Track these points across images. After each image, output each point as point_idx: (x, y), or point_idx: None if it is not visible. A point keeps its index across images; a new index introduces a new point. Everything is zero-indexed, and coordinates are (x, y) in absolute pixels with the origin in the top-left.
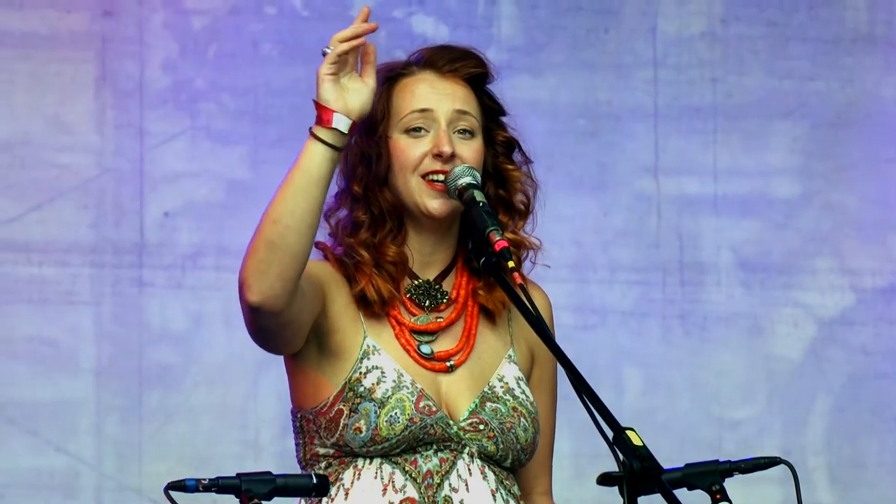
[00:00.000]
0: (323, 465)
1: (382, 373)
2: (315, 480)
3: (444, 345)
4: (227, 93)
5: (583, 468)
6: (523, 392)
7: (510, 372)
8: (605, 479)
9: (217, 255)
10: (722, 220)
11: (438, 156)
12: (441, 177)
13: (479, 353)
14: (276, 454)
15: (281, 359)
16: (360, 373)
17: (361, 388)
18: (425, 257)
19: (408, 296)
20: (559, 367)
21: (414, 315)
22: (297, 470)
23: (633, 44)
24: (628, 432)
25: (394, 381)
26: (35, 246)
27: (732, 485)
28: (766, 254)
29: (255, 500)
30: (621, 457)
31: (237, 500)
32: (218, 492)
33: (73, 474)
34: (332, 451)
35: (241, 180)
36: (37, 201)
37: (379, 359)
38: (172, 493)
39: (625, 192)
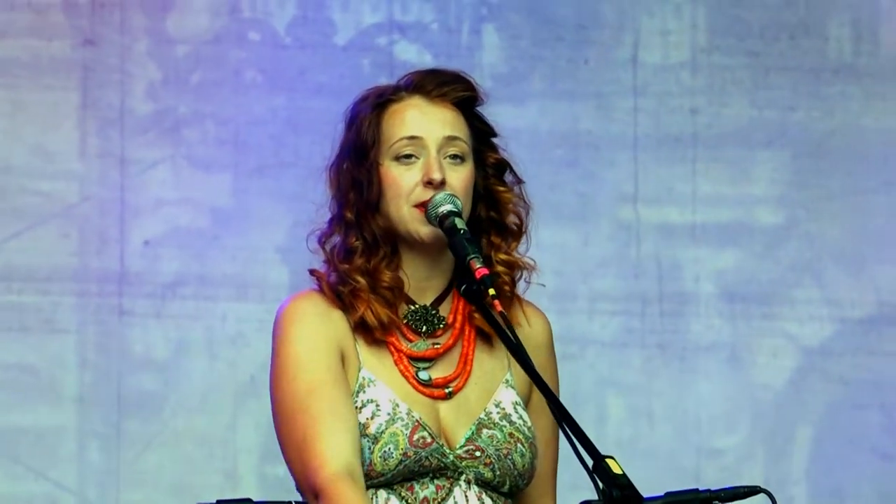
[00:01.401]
0: None
1: (377, 406)
2: None
3: (441, 371)
4: (210, 121)
5: (562, 498)
6: (520, 417)
7: (507, 397)
8: None
9: (197, 284)
10: (702, 249)
11: (429, 183)
12: None
13: (477, 379)
14: (255, 483)
15: (261, 388)
16: (357, 407)
17: (357, 424)
18: (421, 282)
19: (405, 322)
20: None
21: (411, 341)
22: (280, 498)
23: (614, 73)
24: (608, 460)
25: (388, 414)
26: (16, 274)
27: None
28: (746, 283)
29: None
30: (601, 485)
31: None
32: None
33: (52, 501)
34: None
35: (223, 208)
36: (17, 228)
37: (374, 391)
38: None
39: (605, 221)
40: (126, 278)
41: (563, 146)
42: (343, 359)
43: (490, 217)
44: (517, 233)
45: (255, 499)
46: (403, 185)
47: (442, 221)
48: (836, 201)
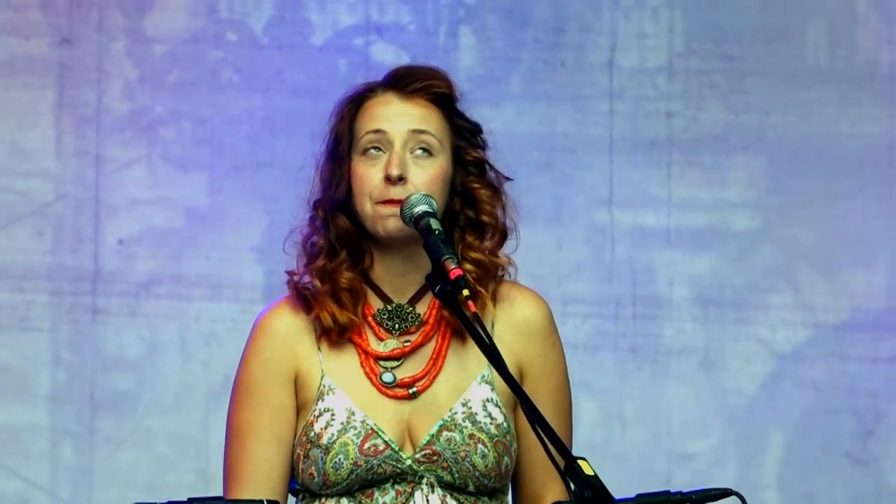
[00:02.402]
0: (300, 496)
1: (332, 415)
2: None
3: (410, 369)
4: (186, 120)
5: None
6: (488, 415)
7: (478, 395)
8: None
9: (172, 284)
10: (676, 253)
11: (388, 179)
12: (395, 208)
13: (448, 376)
14: None
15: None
16: (314, 416)
17: (312, 434)
18: (396, 279)
19: (376, 321)
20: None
21: (381, 339)
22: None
23: (591, 77)
24: (580, 462)
25: (342, 423)
26: None
27: None
28: (720, 288)
29: None
30: (573, 486)
31: None
32: None
33: (24, 499)
34: (300, 488)
35: (198, 208)
36: None
37: (332, 399)
38: None
39: (579, 224)
40: (100, 277)
41: (539, 149)
42: (299, 379)
43: (466, 215)
44: (493, 231)
45: (227, 497)
46: (367, 181)
47: (417, 222)
48: (812, 206)
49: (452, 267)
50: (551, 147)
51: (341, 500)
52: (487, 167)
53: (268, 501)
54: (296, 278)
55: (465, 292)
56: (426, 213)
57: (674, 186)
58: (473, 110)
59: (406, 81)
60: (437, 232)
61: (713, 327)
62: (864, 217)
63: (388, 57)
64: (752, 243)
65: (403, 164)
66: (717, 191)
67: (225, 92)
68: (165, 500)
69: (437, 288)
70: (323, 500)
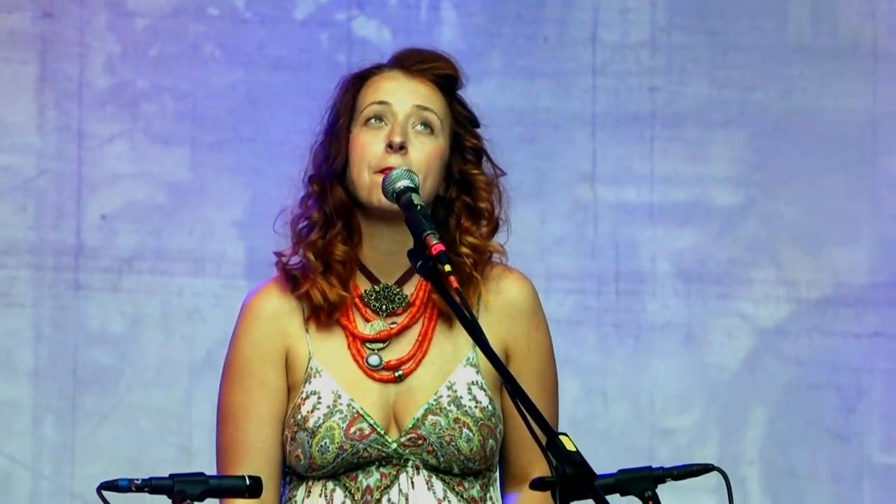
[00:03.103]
0: (287, 479)
1: (319, 398)
2: (248, 482)
3: (395, 352)
4: (168, 95)
5: None
6: (473, 398)
7: (463, 377)
8: (537, 485)
9: (154, 259)
10: (658, 229)
11: (390, 146)
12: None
13: (433, 359)
14: (210, 458)
15: (216, 363)
16: (301, 398)
17: (299, 416)
18: (384, 258)
19: (363, 301)
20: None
21: (368, 321)
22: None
23: (573, 52)
24: (562, 437)
25: (328, 407)
26: None
27: (668, 495)
28: (702, 263)
29: (188, 501)
30: (554, 462)
31: (170, 500)
32: (151, 492)
33: (6, 475)
34: (289, 470)
35: (180, 183)
36: None
37: (319, 382)
38: (105, 493)
39: (562, 200)
40: (83, 252)
41: (521, 124)
42: (289, 360)
43: (463, 201)
44: (489, 218)
45: (209, 473)
46: (367, 150)
47: (399, 197)
48: (794, 182)
49: (434, 242)
50: (533, 122)
51: (327, 484)
52: (485, 157)
53: (249, 477)
54: (284, 259)
55: (447, 267)
56: (408, 189)
57: (656, 161)
58: None
59: (412, 61)
60: (419, 207)
61: (696, 302)
62: (846, 192)
63: (370, 32)
64: (735, 218)
65: (406, 133)
66: (700, 166)
67: (206, 66)
68: (148, 476)
69: (419, 263)
70: (309, 482)
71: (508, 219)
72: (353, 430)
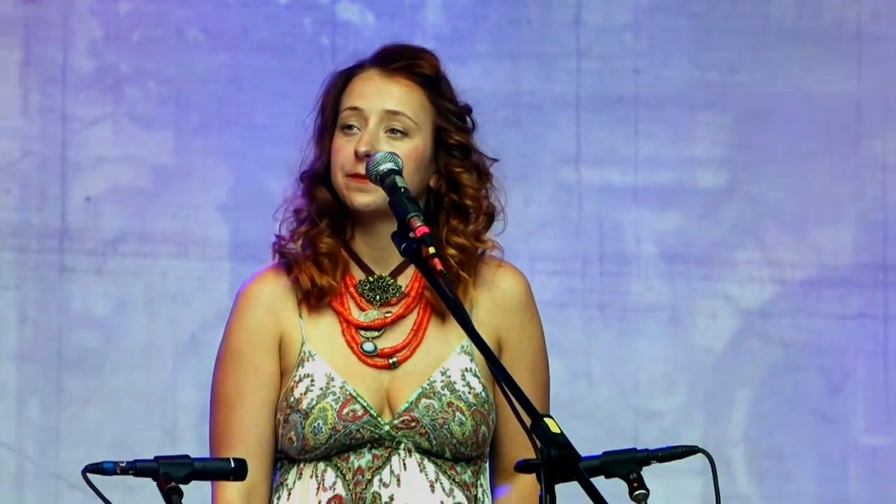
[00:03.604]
0: (278, 464)
1: (312, 380)
2: (233, 464)
3: (390, 340)
4: (151, 78)
5: None
6: (467, 384)
7: (457, 364)
8: (522, 467)
9: (138, 242)
10: (643, 210)
11: (356, 155)
12: (362, 184)
13: (428, 347)
14: (195, 440)
15: (201, 346)
16: (294, 382)
17: (292, 399)
18: (377, 251)
19: (358, 291)
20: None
21: (363, 310)
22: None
23: (557, 34)
24: (546, 419)
25: (321, 389)
26: None
27: (652, 477)
28: (686, 245)
29: (173, 484)
30: (539, 444)
31: (155, 483)
32: (136, 475)
33: None
34: (280, 455)
35: (164, 166)
36: None
37: (312, 365)
38: (90, 475)
39: (546, 182)
40: (67, 235)
41: (505, 106)
42: (282, 344)
43: (450, 198)
44: (478, 214)
45: (193, 455)
46: (341, 155)
47: (382, 179)
48: (778, 164)
49: (418, 224)
50: (517, 105)
51: (318, 465)
52: (472, 150)
53: (234, 459)
54: (283, 242)
55: (431, 249)
56: (391, 171)
57: (640, 144)
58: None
59: (390, 59)
60: (402, 189)
61: (680, 284)
62: (830, 174)
63: (354, 15)
64: (719, 200)
65: (374, 141)
66: (684, 148)
67: (190, 50)
68: (133, 459)
69: (403, 245)
70: (301, 465)
71: (504, 208)
72: (345, 411)
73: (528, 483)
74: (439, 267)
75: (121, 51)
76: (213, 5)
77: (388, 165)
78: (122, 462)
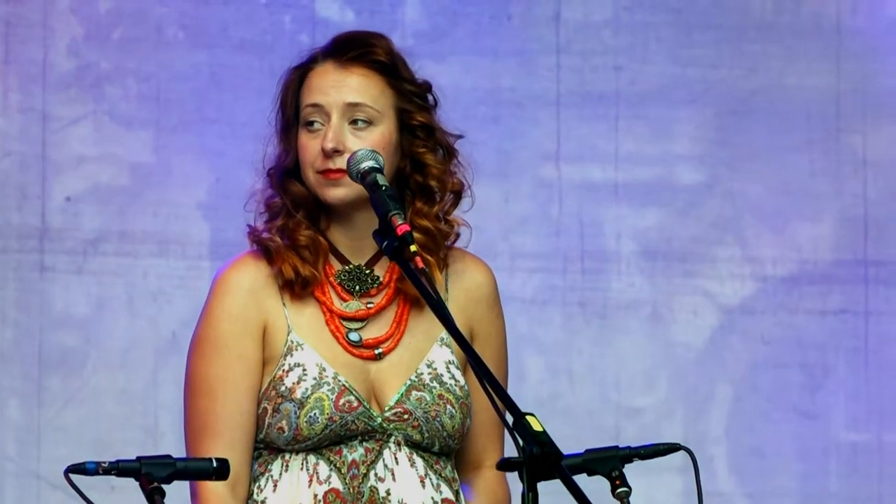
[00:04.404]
0: (255, 454)
1: (304, 370)
2: (215, 464)
3: (374, 331)
4: (131, 77)
5: None
6: (452, 377)
7: (441, 356)
8: (504, 465)
9: (119, 241)
10: (623, 207)
11: (323, 151)
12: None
13: (410, 339)
14: (176, 440)
15: (182, 345)
16: (283, 370)
17: (283, 388)
18: (354, 242)
19: (337, 281)
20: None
21: (344, 301)
22: None
23: (537, 31)
24: (528, 417)
25: (314, 378)
26: None
27: (635, 475)
28: (667, 241)
29: (155, 484)
30: (521, 442)
31: (137, 483)
32: (118, 475)
33: None
34: (261, 445)
35: (145, 165)
36: None
37: (301, 354)
38: (72, 475)
39: (526, 179)
40: (47, 234)
41: (485, 103)
42: (266, 333)
43: (415, 180)
44: (443, 193)
45: (175, 455)
46: (308, 153)
47: (364, 177)
48: (759, 159)
49: (399, 223)
50: (498, 102)
51: (308, 457)
52: (435, 129)
53: (216, 460)
54: (258, 231)
55: (413, 247)
56: (372, 169)
57: (621, 140)
58: (419, 64)
59: (344, 50)
60: (383, 188)
61: (661, 281)
62: (811, 170)
63: (333, 13)
64: (699, 196)
65: (339, 136)
66: (665, 144)
67: (170, 48)
68: (115, 459)
69: (385, 244)
70: (286, 456)
71: (471, 185)
72: (341, 401)
73: (490, 480)
74: (420, 265)
75: (101, 49)
76: (192, 3)
77: (369, 163)
78: (105, 462)
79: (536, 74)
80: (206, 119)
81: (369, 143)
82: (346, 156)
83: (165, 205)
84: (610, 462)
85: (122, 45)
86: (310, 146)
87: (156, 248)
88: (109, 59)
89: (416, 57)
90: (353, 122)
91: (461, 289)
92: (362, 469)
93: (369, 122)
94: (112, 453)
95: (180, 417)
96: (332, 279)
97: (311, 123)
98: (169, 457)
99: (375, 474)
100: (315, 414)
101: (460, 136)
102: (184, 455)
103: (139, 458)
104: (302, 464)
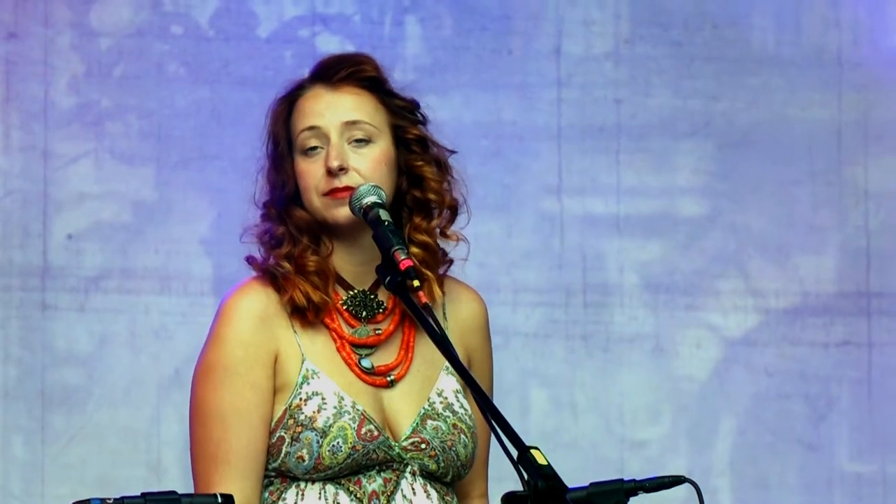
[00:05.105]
0: (266, 482)
1: (323, 399)
2: (220, 500)
3: (383, 358)
4: (133, 114)
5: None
6: (462, 406)
7: (448, 385)
8: (509, 499)
9: (121, 278)
10: (625, 240)
11: (329, 171)
12: (342, 198)
13: (418, 366)
14: (179, 476)
15: (185, 381)
16: (301, 399)
17: (302, 416)
18: (357, 267)
19: (344, 307)
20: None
21: (352, 327)
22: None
23: (538, 64)
24: (533, 451)
25: (335, 407)
26: None
27: None
28: (669, 274)
29: None
30: (526, 476)
31: None
32: None
33: None
34: (272, 473)
35: (146, 201)
36: None
37: (318, 383)
38: None
39: (528, 212)
40: (49, 272)
41: (486, 137)
42: (278, 361)
43: (413, 195)
44: (441, 208)
45: (180, 491)
46: (310, 178)
47: (366, 213)
48: (761, 192)
49: (402, 258)
50: (499, 135)
51: (326, 487)
52: (430, 143)
53: (221, 495)
54: (259, 262)
55: (416, 283)
56: (375, 205)
57: (622, 173)
58: (420, 99)
59: (332, 71)
60: (386, 223)
61: (663, 314)
62: (813, 202)
63: (334, 47)
64: (702, 229)
65: (342, 154)
66: (666, 177)
67: (171, 85)
68: (119, 495)
69: (388, 279)
70: (301, 484)
71: (466, 200)
72: (363, 430)
73: None
74: (424, 300)
75: (102, 87)
76: (193, 40)
77: (372, 199)
78: (110, 499)
79: (537, 108)
80: (207, 155)
81: (371, 161)
82: (352, 174)
83: (167, 241)
84: (615, 495)
85: (122, 82)
86: (310, 170)
87: (158, 285)
88: (110, 96)
89: (418, 91)
90: (352, 140)
91: (458, 318)
92: (382, 500)
93: (368, 140)
94: (115, 490)
95: (183, 454)
96: (339, 305)
97: (312, 148)
98: (174, 493)
99: None
100: (338, 443)
101: (454, 152)
102: (188, 490)
103: (144, 495)
104: (320, 493)
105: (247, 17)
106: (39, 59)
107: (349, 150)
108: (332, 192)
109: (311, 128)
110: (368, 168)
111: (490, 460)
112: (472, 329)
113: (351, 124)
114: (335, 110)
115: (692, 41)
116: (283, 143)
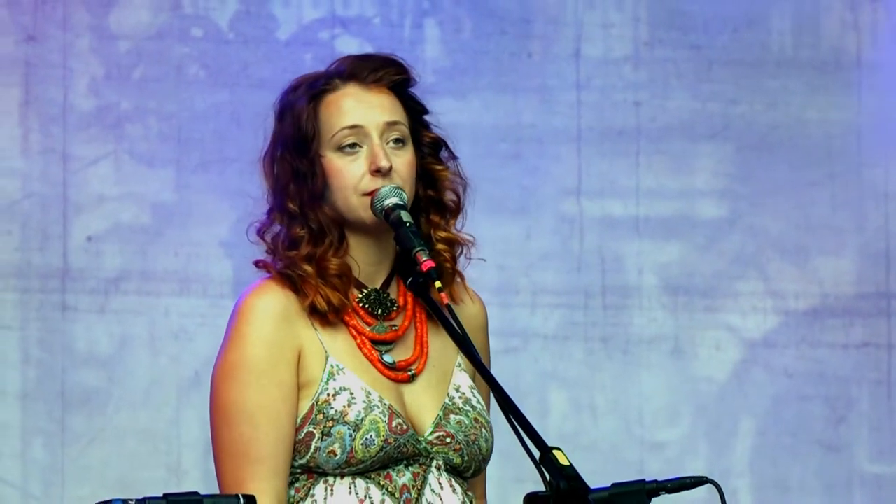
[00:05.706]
0: (292, 478)
1: (352, 394)
2: (242, 500)
3: (401, 354)
4: (152, 116)
5: (507, 492)
6: (479, 402)
7: (463, 381)
8: (532, 500)
9: (140, 280)
10: (645, 242)
11: (377, 171)
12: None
13: (434, 361)
14: (199, 477)
15: (204, 383)
16: (329, 394)
17: (332, 411)
18: (370, 266)
19: (360, 305)
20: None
21: (369, 324)
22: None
23: (557, 67)
24: (555, 452)
25: (364, 402)
26: None
27: None
28: (688, 276)
29: None
30: (548, 476)
31: None
32: None
33: None
34: (297, 469)
35: (166, 203)
36: None
37: (345, 379)
38: None
39: (548, 215)
40: (69, 274)
41: (506, 140)
42: (302, 358)
43: (428, 195)
44: (455, 210)
45: (201, 493)
46: (349, 176)
47: (388, 214)
48: (780, 194)
49: (424, 259)
50: (518, 138)
51: (356, 481)
52: (443, 146)
53: (243, 496)
54: (269, 266)
55: (438, 284)
56: (397, 206)
57: (642, 175)
58: (440, 102)
59: (366, 72)
60: (408, 224)
61: (683, 315)
62: (832, 204)
63: (354, 50)
64: (721, 231)
65: (389, 155)
66: (685, 179)
67: (191, 87)
68: (141, 497)
69: (410, 280)
70: (329, 479)
71: (464, 207)
72: (394, 424)
73: None
74: (446, 301)
75: (121, 89)
76: (213, 42)
77: (394, 200)
78: (132, 500)
79: (557, 111)
80: (227, 158)
81: (407, 163)
82: (394, 176)
83: (187, 243)
84: (637, 496)
85: (142, 84)
86: (349, 168)
87: (177, 287)
88: (130, 98)
89: (437, 94)
90: (390, 141)
91: (464, 318)
92: (413, 493)
93: (404, 142)
94: (136, 492)
95: (204, 455)
96: (355, 303)
97: (352, 146)
98: (196, 494)
99: (426, 499)
100: (371, 436)
101: (456, 157)
102: (210, 491)
103: (166, 496)
104: (349, 488)
105: (266, 20)
106: (59, 62)
107: (390, 152)
108: (375, 192)
109: (353, 126)
110: (407, 169)
111: (511, 461)
112: (476, 328)
113: (391, 125)
114: (375, 110)
115: (711, 44)
116: (312, 138)
